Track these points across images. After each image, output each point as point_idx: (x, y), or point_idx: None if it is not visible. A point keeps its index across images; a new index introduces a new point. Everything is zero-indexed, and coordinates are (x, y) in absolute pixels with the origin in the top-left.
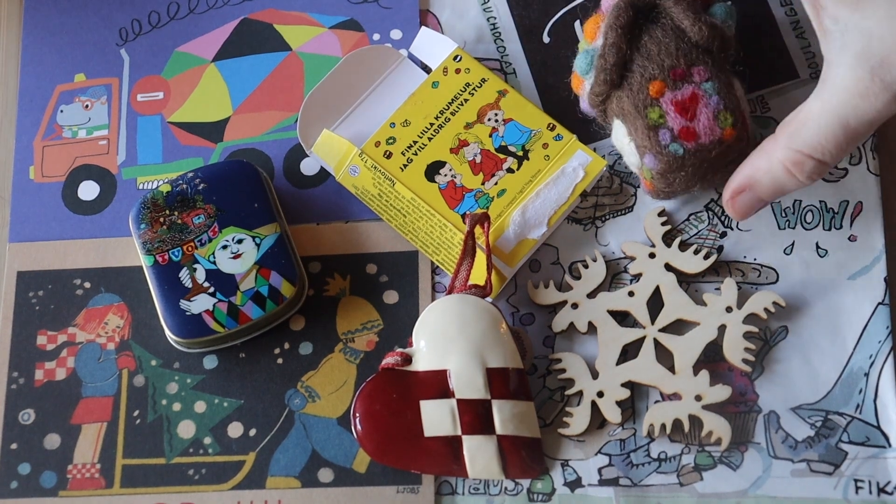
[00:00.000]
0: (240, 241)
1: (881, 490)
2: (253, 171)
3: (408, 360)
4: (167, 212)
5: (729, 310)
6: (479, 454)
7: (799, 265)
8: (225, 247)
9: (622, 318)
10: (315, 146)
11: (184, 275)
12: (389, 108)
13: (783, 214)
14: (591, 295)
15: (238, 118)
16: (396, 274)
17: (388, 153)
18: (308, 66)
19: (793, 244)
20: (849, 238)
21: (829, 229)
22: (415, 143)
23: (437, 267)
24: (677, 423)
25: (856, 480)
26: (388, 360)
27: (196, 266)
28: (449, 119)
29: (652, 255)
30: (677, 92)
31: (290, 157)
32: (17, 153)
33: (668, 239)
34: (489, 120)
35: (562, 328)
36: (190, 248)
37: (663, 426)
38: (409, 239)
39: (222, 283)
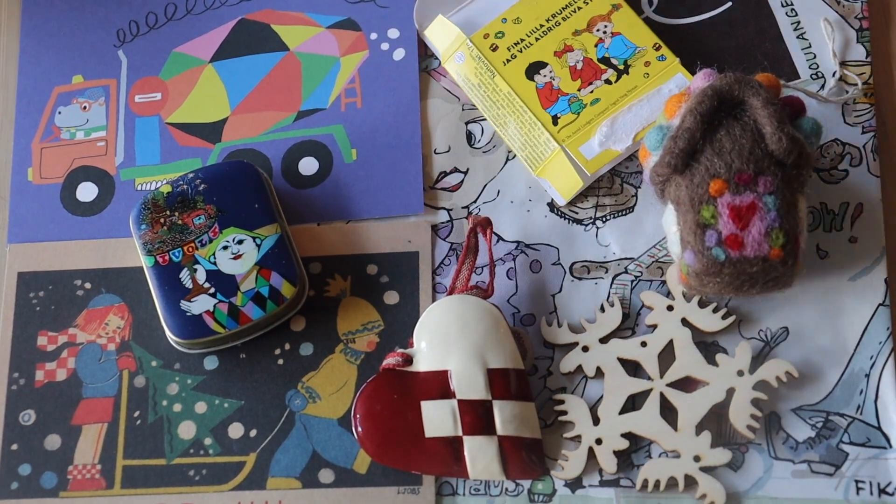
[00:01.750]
0: (240, 242)
1: (882, 491)
2: (253, 172)
3: (409, 360)
4: (168, 212)
5: (740, 373)
6: (479, 455)
7: None
8: (225, 247)
9: (631, 367)
10: (427, 30)
11: (184, 275)
12: (505, 4)
13: None
14: (604, 340)
15: (236, 118)
16: (397, 274)
17: (494, 46)
18: (306, 66)
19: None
20: (849, 240)
21: (830, 231)
22: (522, 40)
23: (438, 267)
24: (672, 481)
25: (857, 481)
26: (389, 360)
27: (196, 267)
28: (559, 23)
29: (670, 308)
30: (737, 197)
31: (289, 157)
32: (16, 155)
33: (688, 295)
34: (598, 30)
35: (569, 370)
36: (190, 249)
37: (657, 482)
38: (499, 132)
39: (223, 283)
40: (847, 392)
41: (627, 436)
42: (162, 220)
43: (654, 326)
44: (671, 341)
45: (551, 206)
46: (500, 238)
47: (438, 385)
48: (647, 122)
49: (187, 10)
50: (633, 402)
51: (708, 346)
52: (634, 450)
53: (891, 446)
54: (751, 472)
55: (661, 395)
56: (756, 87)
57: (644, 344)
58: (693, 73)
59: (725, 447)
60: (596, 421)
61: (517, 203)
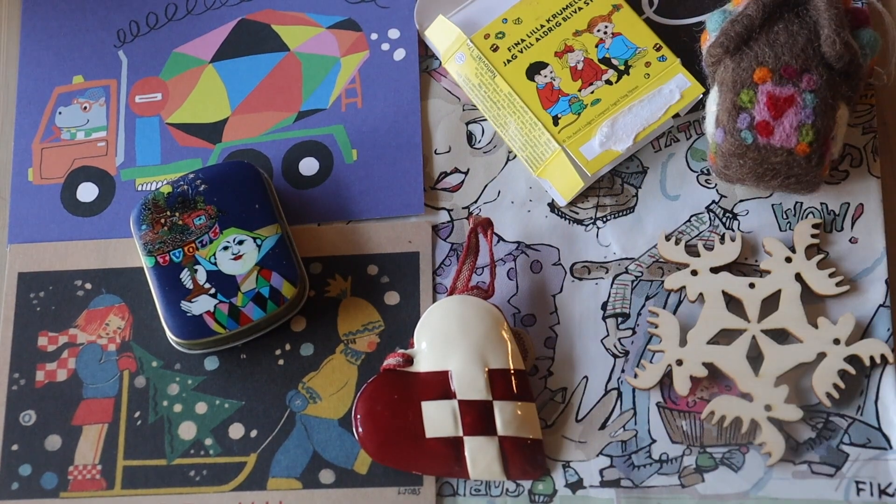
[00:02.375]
0: (241, 243)
1: (882, 492)
2: (254, 172)
3: (409, 361)
4: (168, 213)
5: (836, 342)
6: (480, 455)
7: None
8: (226, 248)
9: (732, 304)
10: (428, 30)
11: (185, 276)
12: (506, 4)
13: (784, 216)
14: (715, 270)
15: (236, 119)
16: (397, 275)
17: (495, 46)
18: (306, 66)
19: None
20: (850, 240)
21: (831, 231)
22: (522, 41)
23: (439, 268)
24: (736, 421)
25: (857, 482)
26: (390, 360)
27: (197, 267)
28: (560, 24)
29: (788, 260)
30: (778, 87)
31: (289, 157)
32: (16, 155)
33: (810, 252)
34: (598, 31)
35: (673, 287)
36: (191, 250)
37: (723, 417)
38: (499, 133)
39: (223, 284)
40: (847, 393)
41: (708, 366)
42: (162, 221)
43: (767, 272)
44: (779, 291)
45: (552, 206)
46: (500, 238)
47: (439, 385)
48: (648, 122)
49: (188, 10)
50: (724, 337)
51: (811, 306)
52: (635, 450)
53: (891, 447)
54: (751, 472)
55: (753, 338)
56: None
57: (752, 286)
58: (694, 73)
59: (797, 408)
60: (683, 343)
61: (518, 203)
